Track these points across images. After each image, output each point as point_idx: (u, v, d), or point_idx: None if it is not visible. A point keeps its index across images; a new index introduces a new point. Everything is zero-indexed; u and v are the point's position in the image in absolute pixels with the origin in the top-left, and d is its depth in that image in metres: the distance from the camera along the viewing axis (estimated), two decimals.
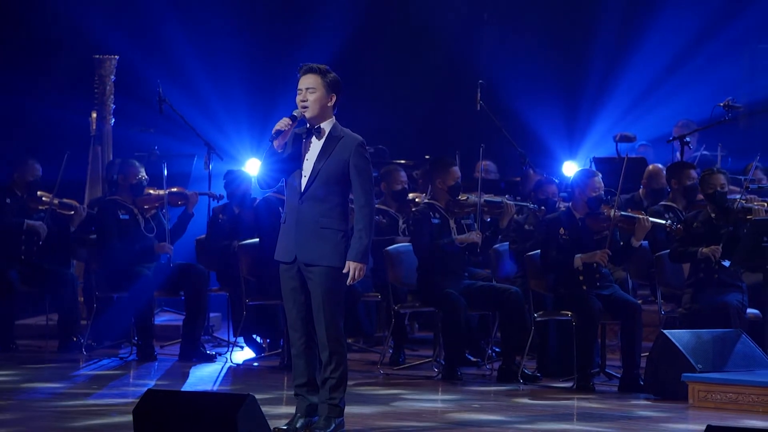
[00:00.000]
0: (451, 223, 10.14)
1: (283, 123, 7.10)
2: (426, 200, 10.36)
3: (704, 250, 9.81)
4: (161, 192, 11.00)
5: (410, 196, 11.70)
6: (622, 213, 9.77)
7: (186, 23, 14.69)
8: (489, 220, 10.72)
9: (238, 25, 15.13)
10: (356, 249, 7.06)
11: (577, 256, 9.56)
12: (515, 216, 10.66)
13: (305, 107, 7.12)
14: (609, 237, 9.58)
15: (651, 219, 9.80)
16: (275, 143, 7.09)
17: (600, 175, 9.87)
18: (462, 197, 10.20)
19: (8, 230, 11.03)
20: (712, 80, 14.31)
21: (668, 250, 10.13)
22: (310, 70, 7.14)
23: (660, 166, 11.94)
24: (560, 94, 15.27)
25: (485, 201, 10.31)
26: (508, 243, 10.53)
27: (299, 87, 7.15)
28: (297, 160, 7.14)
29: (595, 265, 9.57)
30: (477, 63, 15.26)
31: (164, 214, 11.06)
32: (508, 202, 10.39)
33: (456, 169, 10.20)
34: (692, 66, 14.80)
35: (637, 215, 9.75)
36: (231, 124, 14.55)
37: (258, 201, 11.02)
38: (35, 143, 13.25)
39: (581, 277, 9.60)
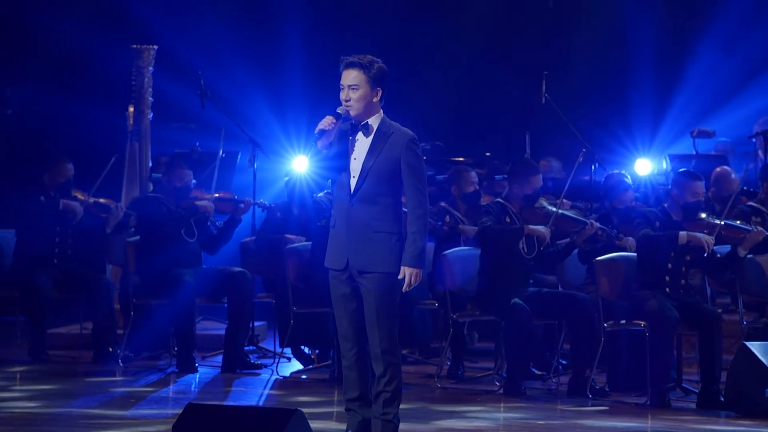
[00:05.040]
0: None
1: (327, 122, 7.10)
2: (499, 200, 10.22)
3: None
4: (207, 197, 10.96)
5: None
6: (728, 222, 9.63)
7: (229, 10, 14.76)
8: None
9: (284, 13, 15.18)
10: (411, 253, 7.06)
11: (683, 232, 9.46)
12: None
13: (349, 106, 7.13)
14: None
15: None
16: (319, 144, 7.10)
17: (703, 180, 9.71)
18: (538, 204, 10.05)
19: (45, 213, 11.02)
20: None
21: (751, 255, 10.01)
22: (352, 65, 7.12)
23: (728, 168, 11.75)
24: (632, 86, 15.18)
25: (562, 215, 10.03)
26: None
27: (342, 83, 7.14)
28: (344, 158, 7.15)
29: (687, 258, 9.45)
30: (541, 52, 15.21)
31: (212, 222, 11.07)
32: (594, 223, 10.04)
33: (539, 178, 10.01)
34: None
35: (747, 227, 9.63)
36: (277, 118, 14.59)
37: (309, 202, 11.03)
38: (68, 139, 13.35)
39: (667, 278, 9.54)
